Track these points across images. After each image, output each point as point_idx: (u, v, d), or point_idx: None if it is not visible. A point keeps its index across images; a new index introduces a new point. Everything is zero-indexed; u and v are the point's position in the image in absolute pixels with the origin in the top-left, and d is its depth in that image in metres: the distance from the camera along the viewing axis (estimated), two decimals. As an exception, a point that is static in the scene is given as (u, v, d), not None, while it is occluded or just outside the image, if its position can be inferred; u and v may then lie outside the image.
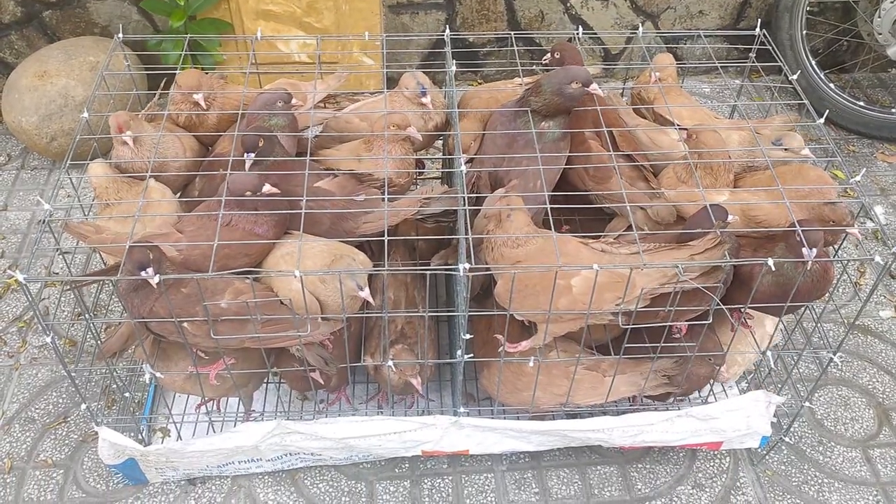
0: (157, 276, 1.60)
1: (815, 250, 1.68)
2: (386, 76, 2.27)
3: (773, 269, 1.69)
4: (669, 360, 1.98)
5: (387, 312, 1.81)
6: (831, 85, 3.47)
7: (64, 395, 2.41)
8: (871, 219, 2.95)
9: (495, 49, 3.48)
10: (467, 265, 1.64)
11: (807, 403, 2.12)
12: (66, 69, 3.02)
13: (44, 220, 1.78)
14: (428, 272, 1.68)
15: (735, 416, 2.04)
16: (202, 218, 1.84)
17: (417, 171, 2.29)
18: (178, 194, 2.14)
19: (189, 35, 2.24)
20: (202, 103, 2.03)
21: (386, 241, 1.68)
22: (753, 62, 2.36)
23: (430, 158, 2.74)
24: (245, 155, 1.84)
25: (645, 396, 2.07)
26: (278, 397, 2.28)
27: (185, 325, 1.72)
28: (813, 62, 3.48)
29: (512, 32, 2.23)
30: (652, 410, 2.04)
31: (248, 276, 1.79)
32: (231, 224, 1.80)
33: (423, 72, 2.25)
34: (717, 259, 1.73)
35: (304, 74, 2.92)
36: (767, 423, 2.09)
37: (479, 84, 3.49)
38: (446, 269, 1.67)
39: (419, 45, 3.49)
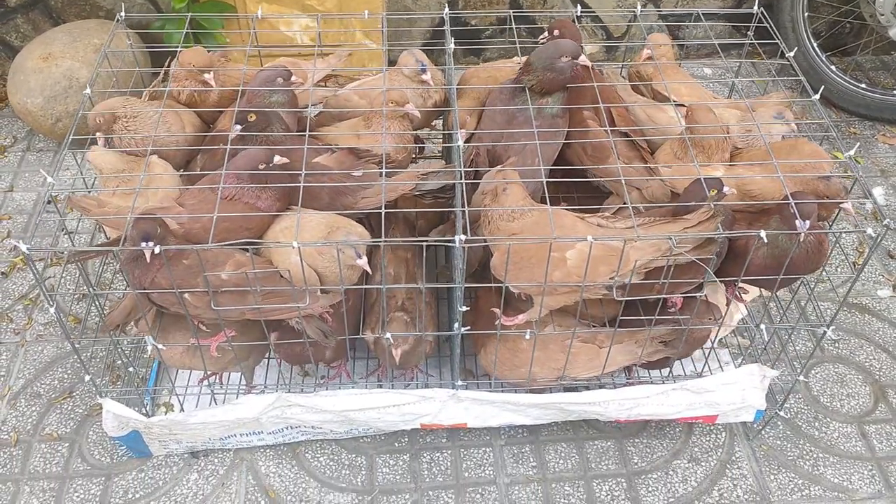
0: (157, 246, 1.63)
1: (808, 222, 1.70)
2: (388, 56, 2.29)
3: (766, 241, 1.71)
4: (665, 326, 2.00)
5: (385, 286, 1.83)
6: (833, 67, 3.47)
7: (69, 371, 2.45)
8: (871, 200, 2.96)
9: (497, 32, 3.49)
10: (463, 237, 1.66)
11: (802, 377, 2.14)
12: (71, 51, 3.04)
13: (47, 194, 1.81)
14: (424, 243, 1.70)
15: (730, 389, 2.06)
16: (204, 191, 1.86)
17: (417, 146, 2.31)
18: (181, 171, 2.16)
19: (190, 14, 2.25)
20: (212, 82, 2.05)
21: (383, 213, 1.70)
22: (752, 40, 2.37)
23: (429, 136, 2.76)
24: (233, 127, 1.86)
25: (644, 364, 2.08)
26: (279, 373, 2.31)
27: (186, 296, 1.75)
28: (815, 44, 3.48)
29: (511, 11, 2.22)
30: (647, 384, 2.07)
31: (249, 248, 1.81)
32: (233, 198, 1.82)
33: (424, 52, 2.27)
34: (710, 231, 1.75)
35: (305, 54, 2.94)
36: (762, 397, 2.11)
37: (480, 66, 3.51)
38: (442, 241, 1.69)
39: (422, 30, 3.50)
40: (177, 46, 2.21)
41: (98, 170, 1.95)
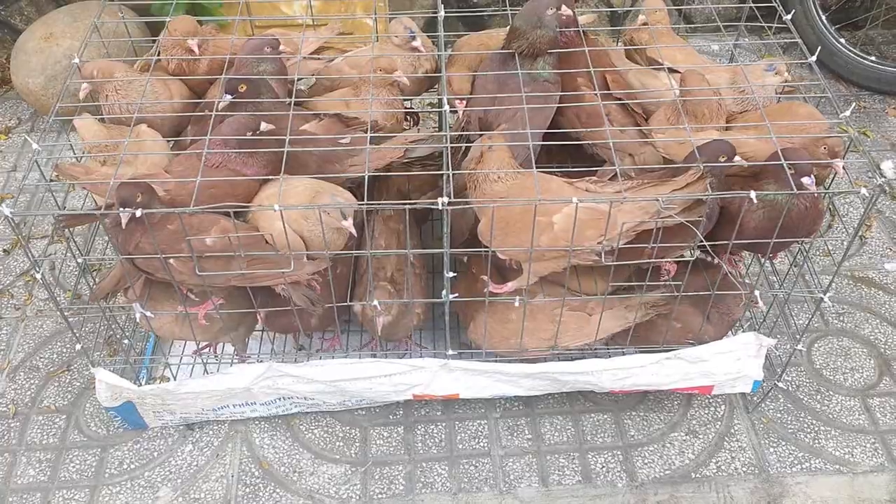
0: (139, 210, 1.63)
1: (812, 178, 1.67)
2: (383, 28, 2.27)
3: (755, 201, 1.67)
4: (657, 291, 1.98)
5: (371, 252, 1.81)
6: (842, 40, 3.41)
7: (68, 345, 2.46)
8: (881, 174, 2.91)
9: (500, 9, 3.45)
10: (446, 199, 1.64)
11: (801, 347, 2.09)
12: (72, 31, 3.06)
13: (32, 160, 1.81)
14: (408, 206, 1.68)
15: (725, 358, 2.03)
16: (191, 158, 1.86)
17: (411, 116, 2.29)
18: (171, 143, 2.16)
19: None
20: (195, 49, 2.05)
21: (366, 177, 1.68)
22: (751, 4, 2.33)
23: (426, 110, 2.73)
24: (222, 96, 1.85)
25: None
26: (272, 346, 2.31)
27: (171, 261, 1.74)
28: (823, 17, 3.42)
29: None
30: (641, 353, 2.04)
31: (234, 214, 1.80)
32: (220, 164, 1.82)
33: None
34: (699, 192, 1.71)
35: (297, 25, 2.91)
36: (759, 367, 2.07)
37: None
38: (425, 203, 1.67)
39: (422, 6, 3.48)
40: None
41: (82, 138, 1.95)
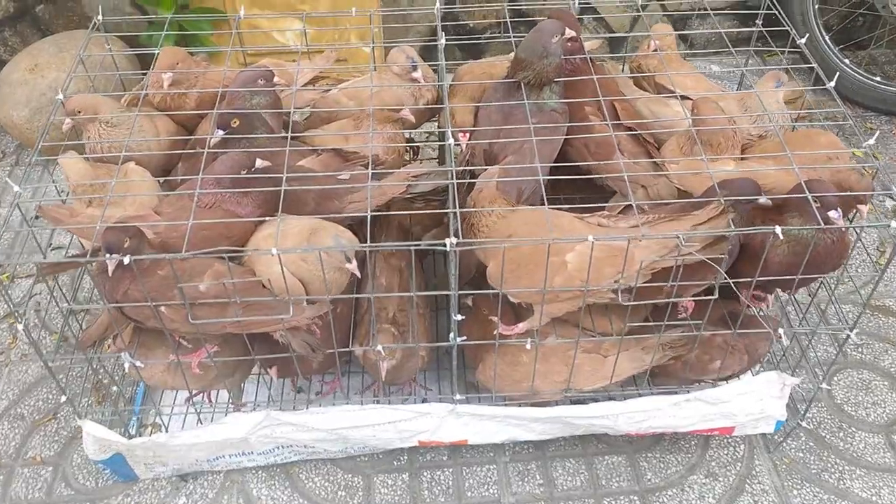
0: (128, 257, 1.53)
1: (839, 212, 1.59)
2: (382, 57, 2.19)
3: (781, 236, 1.58)
4: (675, 331, 1.88)
5: (374, 294, 1.71)
6: (846, 61, 3.34)
7: (54, 392, 2.35)
8: (891, 196, 2.82)
9: (496, 31, 3.38)
10: (454, 240, 1.55)
11: (824, 385, 2.00)
12: (58, 62, 2.96)
13: (14, 204, 1.71)
14: (415, 247, 1.58)
15: (747, 399, 1.93)
16: (182, 199, 1.76)
17: (410, 148, 2.20)
18: (161, 182, 2.06)
19: (169, 16, 2.15)
20: (165, 84, 1.94)
21: (369, 217, 1.59)
22: (760, 28, 2.26)
23: (426, 142, 2.64)
24: (214, 131, 1.76)
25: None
26: (270, 390, 2.20)
27: (162, 309, 1.64)
28: (826, 38, 3.35)
29: (506, 3, 2.12)
30: (658, 395, 1.94)
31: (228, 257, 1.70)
32: (213, 205, 1.72)
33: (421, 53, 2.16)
34: (721, 229, 1.62)
35: (291, 56, 2.84)
36: (782, 407, 1.97)
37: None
38: (432, 245, 1.57)
39: (419, 32, 3.41)
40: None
41: (67, 177, 1.84)
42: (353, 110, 2.05)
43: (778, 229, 1.57)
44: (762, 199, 1.69)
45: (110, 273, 1.55)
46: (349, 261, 1.68)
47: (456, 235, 1.57)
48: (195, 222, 1.58)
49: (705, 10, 2.26)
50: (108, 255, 1.53)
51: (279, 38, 3.16)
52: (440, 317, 2.31)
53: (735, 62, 3.51)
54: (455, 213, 1.60)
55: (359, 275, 1.71)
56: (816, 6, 3.32)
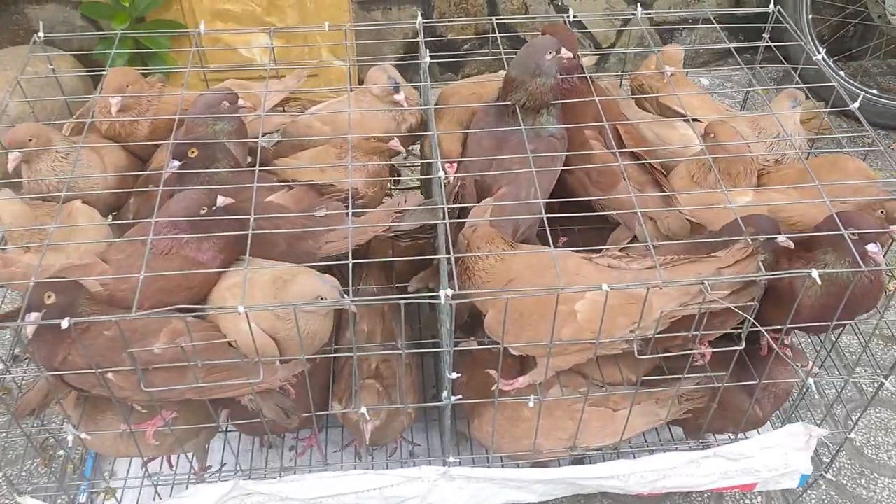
0: (67, 320, 1.30)
1: (878, 246, 1.41)
2: (356, 75, 1.97)
3: (819, 281, 1.40)
4: (691, 382, 1.69)
5: (356, 353, 1.50)
6: (841, 73, 3.21)
7: (-8, 454, 2.09)
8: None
9: (476, 45, 3.19)
10: (450, 292, 1.34)
11: (853, 435, 1.82)
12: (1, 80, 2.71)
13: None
14: (403, 301, 1.37)
15: (771, 453, 1.74)
16: (134, 244, 1.53)
17: (393, 179, 1.99)
18: (109, 219, 1.83)
19: (120, 31, 1.91)
20: (113, 110, 1.71)
21: (350, 264, 1.37)
22: (767, 42, 2.09)
23: (408, 165, 2.43)
24: (168, 163, 1.54)
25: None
26: (238, 449, 1.96)
27: (109, 376, 1.41)
28: (820, 49, 3.21)
29: (494, 18, 1.92)
30: (674, 451, 1.75)
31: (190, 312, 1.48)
32: (169, 251, 1.50)
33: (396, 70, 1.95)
34: (750, 272, 1.43)
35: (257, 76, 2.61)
36: (807, 460, 1.79)
37: (460, 84, 3.21)
38: (424, 298, 1.36)
39: (393, 46, 3.20)
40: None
41: (4, 221, 1.60)
42: (328, 138, 1.83)
43: (815, 273, 1.38)
44: (781, 239, 1.50)
45: (30, 336, 1.33)
46: (342, 296, 1.45)
47: (451, 284, 1.36)
48: (147, 275, 1.35)
49: (697, 21, 2.08)
50: (27, 316, 1.31)
51: (246, 54, 2.93)
52: (426, 360, 2.09)
53: (725, 75, 3.36)
54: (449, 260, 1.39)
55: (355, 309, 1.47)
56: (810, 16, 3.18)
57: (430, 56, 1.81)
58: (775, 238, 1.48)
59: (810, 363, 1.71)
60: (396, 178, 2.13)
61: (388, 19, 3.09)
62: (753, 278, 1.42)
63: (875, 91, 3.17)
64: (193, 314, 1.47)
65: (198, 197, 1.50)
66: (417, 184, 2.35)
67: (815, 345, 2.12)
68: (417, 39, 1.88)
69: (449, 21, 2.99)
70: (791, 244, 1.49)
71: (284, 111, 2.02)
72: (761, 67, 2.16)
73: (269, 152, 1.95)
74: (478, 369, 1.74)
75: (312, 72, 2.50)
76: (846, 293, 1.48)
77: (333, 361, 1.81)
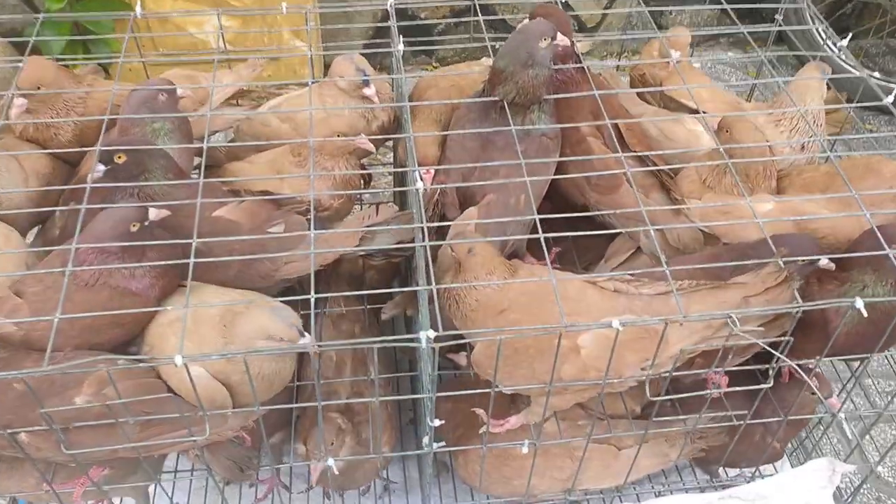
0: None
1: None
2: (322, 61, 1.73)
3: (864, 312, 1.19)
4: (706, 420, 1.50)
5: (321, 400, 1.26)
6: (842, 56, 3.00)
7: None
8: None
9: (452, 26, 2.94)
10: (431, 333, 1.11)
11: (881, 468, 1.64)
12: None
13: None
14: (376, 345, 1.14)
15: (791, 492, 1.55)
16: (54, 274, 1.28)
17: (359, 192, 1.75)
18: (31, 237, 1.58)
19: (40, 18, 1.62)
20: (12, 113, 1.45)
21: (313, 300, 1.14)
22: (780, 25, 1.88)
23: (382, 171, 2.18)
24: (93, 169, 1.30)
25: None
26: (190, 489, 1.73)
27: (22, 436, 1.17)
28: (820, 30, 3.00)
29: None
30: (683, 493, 1.55)
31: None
32: (95, 282, 1.25)
33: (364, 56, 1.70)
34: (783, 303, 1.23)
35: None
36: (829, 497, 1.60)
37: (435, 69, 2.96)
38: (400, 341, 1.13)
39: (362, 28, 2.94)
40: (60, 59, 1.62)
41: None
42: (286, 141, 1.58)
43: (860, 302, 1.18)
44: (823, 262, 1.30)
45: None
46: (302, 335, 1.22)
47: (434, 322, 1.13)
48: (63, 318, 1.11)
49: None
50: None
51: (195, 30, 2.66)
52: (401, 382, 1.87)
53: (716, 58, 3.16)
54: (433, 294, 1.16)
55: (316, 349, 1.24)
56: (809, -5, 2.97)
57: (403, 35, 1.57)
58: (815, 261, 1.28)
59: (835, 393, 1.52)
60: (368, 176, 1.89)
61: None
62: (788, 310, 1.21)
63: (877, 74, 2.98)
64: (123, 358, 1.23)
65: (125, 213, 1.26)
66: (388, 195, 2.10)
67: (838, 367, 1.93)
68: (389, 22, 1.63)
69: (418, 4, 2.74)
70: (833, 266, 1.29)
71: (238, 105, 1.78)
72: (772, 53, 1.94)
73: (221, 154, 1.71)
74: (463, 404, 1.53)
75: (270, 58, 2.24)
76: (890, 320, 1.28)
77: (297, 391, 1.58)
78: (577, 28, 3.16)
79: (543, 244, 1.23)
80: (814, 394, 1.51)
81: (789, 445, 1.74)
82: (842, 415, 1.45)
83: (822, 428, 1.81)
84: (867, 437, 2.00)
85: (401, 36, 1.58)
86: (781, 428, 1.57)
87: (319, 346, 1.12)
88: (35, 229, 1.61)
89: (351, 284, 1.77)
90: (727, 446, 1.52)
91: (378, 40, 2.78)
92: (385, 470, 1.76)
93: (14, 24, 2.65)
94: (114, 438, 1.20)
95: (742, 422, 1.41)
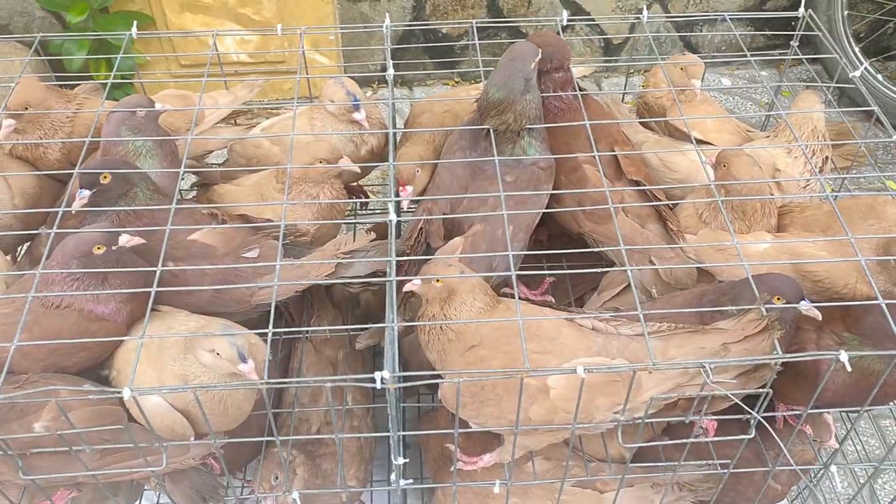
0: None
1: None
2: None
3: (848, 367, 1.12)
4: (695, 468, 1.44)
5: (292, 435, 1.24)
6: (879, 76, 2.89)
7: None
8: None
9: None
10: (387, 374, 1.08)
11: None
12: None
13: None
14: (333, 384, 1.11)
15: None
16: (21, 299, 1.29)
17: (351, 210, 1.73)
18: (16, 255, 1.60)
19: (40, 29, 1.65)
20: (1, 134, 1.46)
21: (270, 335, 1.12)
22: (796, 52, 1.80)
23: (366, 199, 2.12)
24: (78, 193, 1.30)
25: None
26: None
27: (-19, 459, 1.17)
28: (856, 49, 2.90)
29: (474, 21, 1.65)
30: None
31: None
32: (61, 305, 1.26)
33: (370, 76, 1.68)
34: (762, 352, 1.16)
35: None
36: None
37: (456, 84, 2.93)
38: (358, 381, 1.10)
39: (382, 42, 2.93)
40: (84, 74, 1.64)
41: None
42: (269, 167, 1.57)
43: (844, 356, 1.11)
44: (804, 307, 1.23)
45: None
46: (243, 360, 1.20)
47: (393, 362, 1.10)
48: (21, 344, 1.11)
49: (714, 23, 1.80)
50: None
51: (218, 45, 2.68)
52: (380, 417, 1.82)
53: (748, 74, 3.06)
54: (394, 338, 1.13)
55: (255, 377, 1.22)
56: (845, 12, 2.86)
57: (425, 49, 1.54)
58: (796, 307, 1.21)
59: (832, 435, 1.44)
60: (364, 194, 1.87)
61: (376, 12, 2.81)
62: (766, 361, 1.15)
63: (918, 96, 2.86)
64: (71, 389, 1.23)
65: (89, 236, 1.26)
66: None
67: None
68: (413, 35, 1.60)
69: (438, 23, 2.70)
70: (818, 314, 1.22)
71: (236, 125, 1.77)
72: (792, 74, 1.86)
73: (218, 175, 1.70)
74: (438, 427, 1.50)
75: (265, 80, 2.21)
76: (875, 377, 1.21)
77: (274, 419, 1.56)
78: (604, 47, 3.11)
79: (519, 279, 1.18)
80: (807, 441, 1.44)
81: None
82: (833, 468, 1.37)
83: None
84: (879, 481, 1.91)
85: (390, 61, 1.55)
86: (784, 471, 1.50)
87: (266, 383, 1.09)
88: (24, 246, 1.63)
89: (344, 306, 1.75)
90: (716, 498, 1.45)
91: (396, 61, 2.77)
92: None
93: (41, 31, 2.70)
94: (72, 465, 1.20)
95: (726, 471, 1.35)
